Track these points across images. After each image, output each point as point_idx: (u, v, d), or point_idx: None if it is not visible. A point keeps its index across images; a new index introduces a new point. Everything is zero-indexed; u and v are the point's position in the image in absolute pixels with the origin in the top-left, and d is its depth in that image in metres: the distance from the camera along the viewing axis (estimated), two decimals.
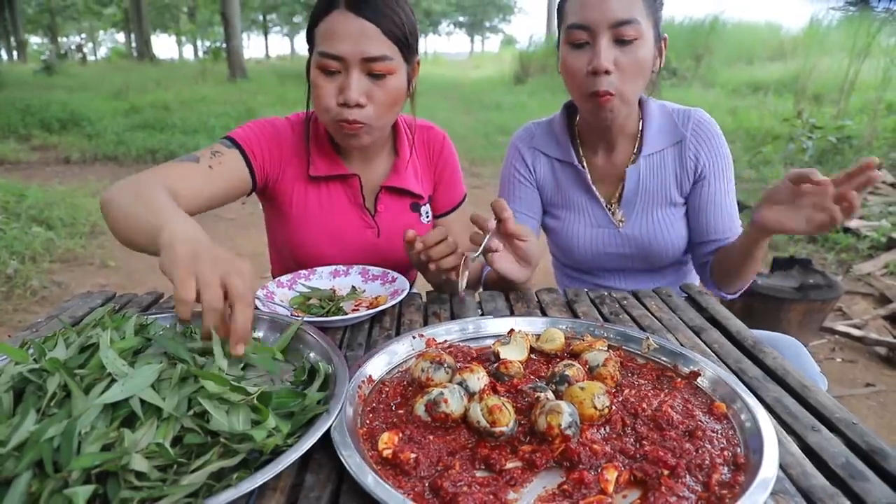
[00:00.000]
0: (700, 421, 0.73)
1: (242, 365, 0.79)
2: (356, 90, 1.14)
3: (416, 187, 1.38)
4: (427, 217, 1.43)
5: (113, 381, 0.65)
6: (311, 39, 1.20)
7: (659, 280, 1.45)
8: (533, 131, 1.47)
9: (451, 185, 1.46)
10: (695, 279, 1.50)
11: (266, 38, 48.07)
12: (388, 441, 0.68)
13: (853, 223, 4.32)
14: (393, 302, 1.09)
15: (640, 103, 1.36)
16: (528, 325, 1.01)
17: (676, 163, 1.35)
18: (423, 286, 1.39)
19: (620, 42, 1.17)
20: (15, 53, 27.98)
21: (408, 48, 1.19)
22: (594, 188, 1.39)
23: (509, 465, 0.66)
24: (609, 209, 1.40)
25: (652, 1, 1.20)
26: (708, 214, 1.35)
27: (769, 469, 0.62)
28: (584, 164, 1.40)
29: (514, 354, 0.89)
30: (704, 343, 1.00)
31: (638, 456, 0.67)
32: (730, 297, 1.39)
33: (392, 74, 1.16)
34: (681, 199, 1.38)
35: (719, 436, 0.71)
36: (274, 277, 1.30)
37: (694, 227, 1.38)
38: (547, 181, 1.45)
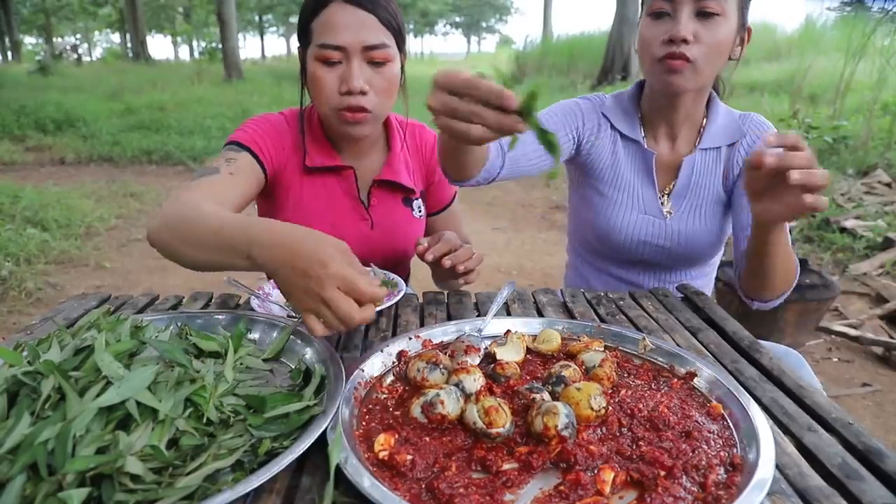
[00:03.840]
0: (696, 421, 0.74)
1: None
2: (359, 77, 1.18)
3: (408, 181, 1.40)
4: (420, 212, 1.45)
5: (108, 383, 0.65)
6: (304, 35, 1.23)
7: (681, 281, 1.42)
8: (604, 99, 1.39)
9: (443, 186, 1.50)
10: (707, 288, 1.48)
11: (262, 39, 48.08)
12: (384, 443, 0.68)
13: (849, 223, 4.34)
14: (389, 303, 1.09)
15: (709, 98, 1.34)
16: (525, 325, 1.01)
17: (728, 159, 1.34)
18: (419, 287, 1.39)
19: (703, 15, 1.15)
20: (10, 54, 27.87)
21: (400, 38, 1.24)
22: (654, 173, 1.35)
23: (506, 467, 0.66)
24: (660, 198, 1.36)
25: None
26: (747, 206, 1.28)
27: (765, 469, 0.62)
28: (647, 146, 1.36)
29: (510, 355, 0.89)
30: (701, 343, 1.01)
31: (634, 457, 0.67)
32: (765, 306, 1.25)
33: (390, 62, 1.21)
34: (726, 196, 1.35)
35: (716, 436, 0.71)
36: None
37: (735, 222, 1.33)
38: (605, 154, 1.37)
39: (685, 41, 1.14)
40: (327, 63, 1.19)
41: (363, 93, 1.19)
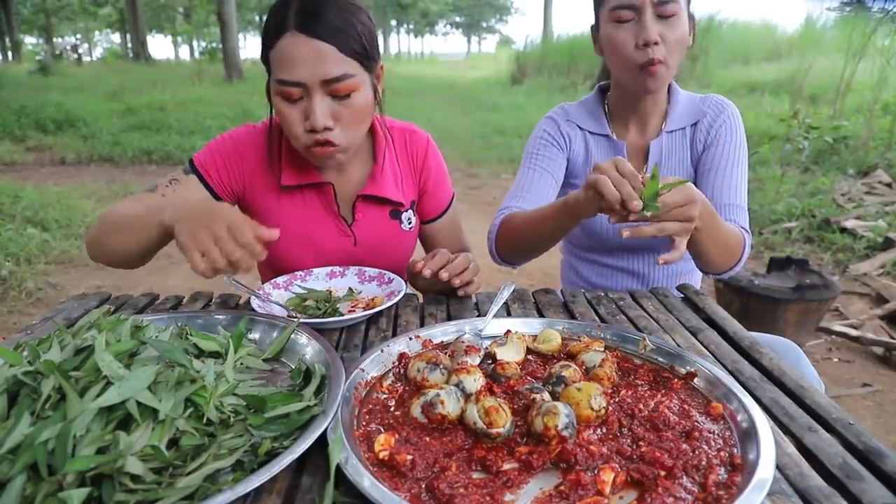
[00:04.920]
0: (697, 422, 0.74)
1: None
2: (321, 115, 1.10)
3: (396, 195, 1.34)
4: (410, 224, 1.39)
5: (108, 383, 0.64)
6: (265, 62, 1.15)
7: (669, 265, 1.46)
8: (567, 108, 1.51)
9: (438, 192, 1.43)
10: (696, 271, 1.50)
11: None
12: (384, 443, 0.68)
13: (850, 223, 4.34)
14: (389, 303, 1.09)
15: (669, 85, 1.43)
16: (525, 326, 1.01)
17: (693, 137, 1.42)
18: None
19: (662, 17, 1.26)
20: (10, 54, 27.89)
21: (368, 58, 1.14)
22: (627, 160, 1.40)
23: (506, 467, 0.66)
24: None
25: None
26: (712, 181, 1.36)
27: (766, 470, 0.62)
28: (616, 138, 1.45)
29: (510, 355, 0.89)
30: (701, 344, 1.00)
31: (635, 457, 0.67)
32: (719, 277, 1.35)
33: (356, 91, 1.12)
34: (695, 173, 1.41)
35: (716, 436, 0.71)
36: (263, 282, 1.29)
37: None
38: (579, 153, 1.47)
39: (655, 43, 1.25)
40: (289, 100, 1.11)
41: (328, 129, 1.11)
